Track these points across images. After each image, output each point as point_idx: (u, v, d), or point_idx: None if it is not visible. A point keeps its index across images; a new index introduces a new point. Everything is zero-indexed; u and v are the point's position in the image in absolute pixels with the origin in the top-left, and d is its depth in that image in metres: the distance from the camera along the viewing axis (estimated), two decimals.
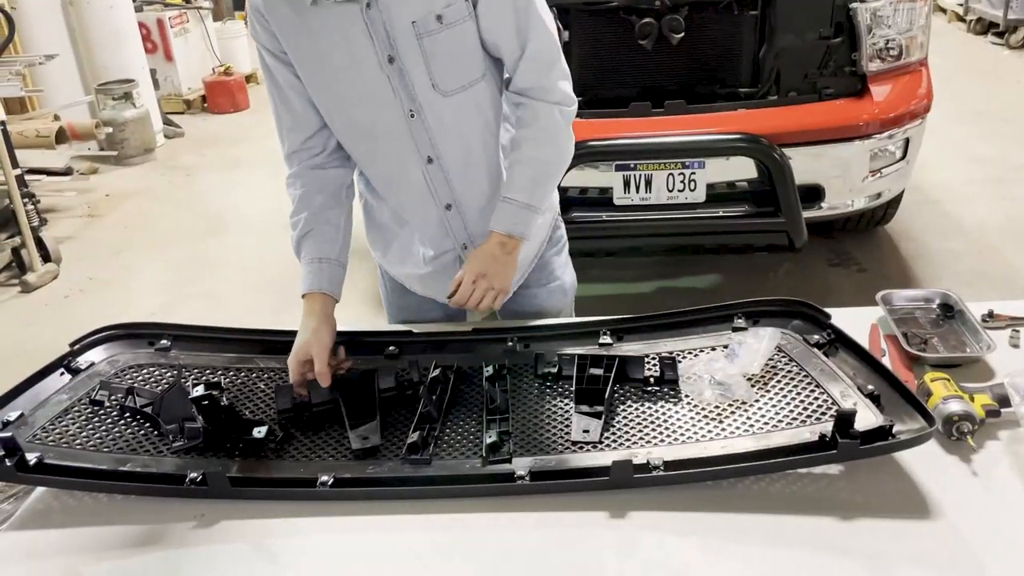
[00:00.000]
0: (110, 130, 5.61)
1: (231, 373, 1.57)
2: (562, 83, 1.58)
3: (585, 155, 2.95)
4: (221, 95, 7.04)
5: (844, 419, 1.22)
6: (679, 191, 3.00)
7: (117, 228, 4.90)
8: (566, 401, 1.43)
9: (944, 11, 8.05)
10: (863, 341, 1.50)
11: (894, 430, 1.23)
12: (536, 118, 1.57)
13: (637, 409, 1.39)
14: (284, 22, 1.48)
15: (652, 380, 1.44)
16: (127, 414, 1.44)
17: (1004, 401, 1.33)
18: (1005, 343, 1.55)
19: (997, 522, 1.17)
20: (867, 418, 1.25)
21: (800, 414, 1.32)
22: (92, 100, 5.83)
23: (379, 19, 1.45)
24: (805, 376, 1.40)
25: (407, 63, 1.48)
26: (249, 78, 7.53)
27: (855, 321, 1.57)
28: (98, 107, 5.78)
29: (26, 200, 4.20)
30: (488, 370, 1.48)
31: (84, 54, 6.02)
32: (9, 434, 1.29)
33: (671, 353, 1.49)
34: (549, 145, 1.59)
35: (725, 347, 1.48)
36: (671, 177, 2.99)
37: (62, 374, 1.53)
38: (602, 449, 1.31)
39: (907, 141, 3.15)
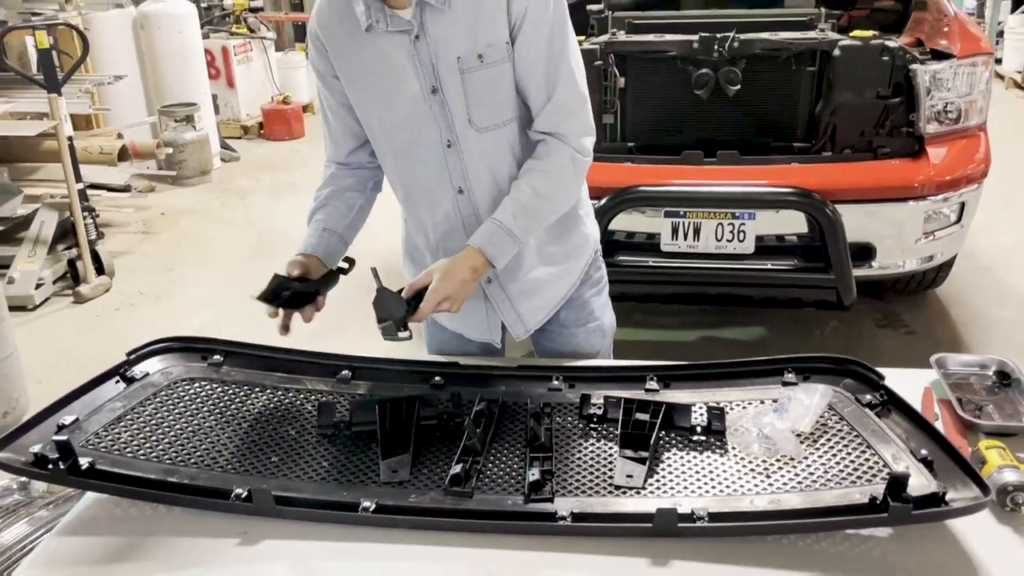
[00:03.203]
0: (170, 151, 5.77)
1: (279, 392, 1.59)
2: (582, 136, 1.60)
3: (635, 199, 2.97)
4: (278, 123, 7.21)
5: (897, 483, 1.19)
6: (727, 241, 2.99)
7: (170, 245, 5.01)
8: (610, 444, 1.42)
9: (1002, 78, 7.98)
10: (915, 404, 1.47)
11: (947, 497, 1.20)
12: (548, 154, 1.60)
13: (682, 458, 1.38)
14: (338, 45, 1.56)
15: (699, 429, 1.43)
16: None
17: None
18: None
19: None
20: (919, 483, 1.22)
21: (850, 474, 1.30)
22: (155, 121, 6.01)
23: (426, 51, 1.51)
24: (856, 436, 1.38)
25: (449, 95, 1.54)
26: (306, 108, 7.71)
27: (908, 383, 1.55)
28: (160, 128, 5.95)
29: (86, 214, 4.32)
30: (533, 407, 1.48)
31: (151, 76, 6.21)
32: (64, 437, 1.31)
33: (719, 403, 1.48)
34: (552, 182, 1.60)
35: (775, 401, 1.47)
36: (720, 227, 2.99)
37: (117, 382, 1.57)
38: (645, 495, 1.30)
39: (963, 205, 3.10)
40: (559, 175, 1.60)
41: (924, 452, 1.29)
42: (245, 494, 1.30)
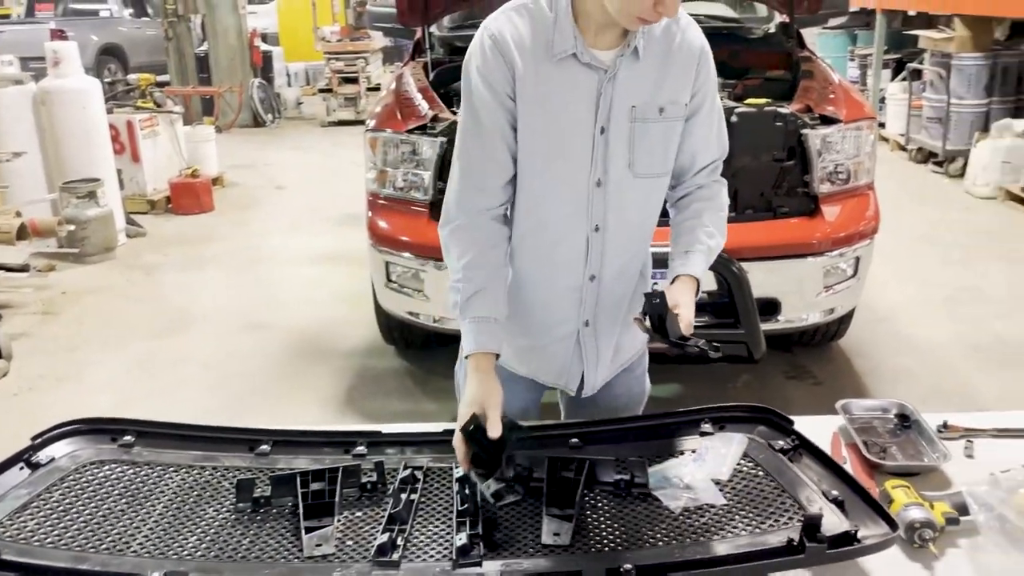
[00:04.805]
0: (72, 228, 5.59)
1: (195, 471, 1.54)
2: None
3: None
4: (186, 196, 7.09)
5: (811, 524, 1.24)
6: None
7: (73, 325, 4.82)
8: (536, 503, 1.43)
9: (887, 140, 8.52)
10: (825, 448, 1.53)
11: (859, 535, 1.25)
12: (715, 196, 1.73)
13: (607, 512, 1.40)
14: (527, 65, 1.56)
15: (622, 483, 1.45)
16: None
17: (963, 509, 1.37)
18: (960, 453, 1.60)
19: None
20: (833, 523, 1.27)
21: (768, 518, 1.34)
22: (56, 198, 5.83)
23: (609, 93, 1.56)
24: (771, 481, 1.43)
25: (613, 138, 1.59)
26: (215, 181, 7.61)
27: (816, 429, 1.61)
28: (61, 205, 5.77)
29: None
30: (458, 471, 1.48)
31: (52, 152, 6.04)
32: None
33: (641, 457, 1.51)
34: (722, 222, 1.72)
35: (693, 451, 1.51)
36: None
37: (21, 468, 1.49)
38: (573, 553, 1.31)
39: (857, 259, 3.28)
40: (724, 216, 1.74)
41: (835, 493, 1.34)
42: None
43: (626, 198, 1.64)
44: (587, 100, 1.57)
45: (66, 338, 4.63)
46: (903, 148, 8.23)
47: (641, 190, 1.65)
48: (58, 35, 6.49)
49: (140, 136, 6.88)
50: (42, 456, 1.53)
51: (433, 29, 4.30)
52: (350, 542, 1.35)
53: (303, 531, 1.37)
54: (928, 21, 8.61)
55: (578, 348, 1.75)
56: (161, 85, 8.54)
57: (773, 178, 3.23)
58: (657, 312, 1.49)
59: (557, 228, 1.66)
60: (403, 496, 1.42)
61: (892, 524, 1.26)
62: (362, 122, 3.75)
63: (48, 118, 5.98)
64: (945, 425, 1.68)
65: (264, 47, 12.07)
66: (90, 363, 4.30)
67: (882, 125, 8.73)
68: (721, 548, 1.28)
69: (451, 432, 1.65)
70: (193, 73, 10.86)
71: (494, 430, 1.45)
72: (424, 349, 4.04)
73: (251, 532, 1.38)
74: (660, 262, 2.95)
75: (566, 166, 1.61)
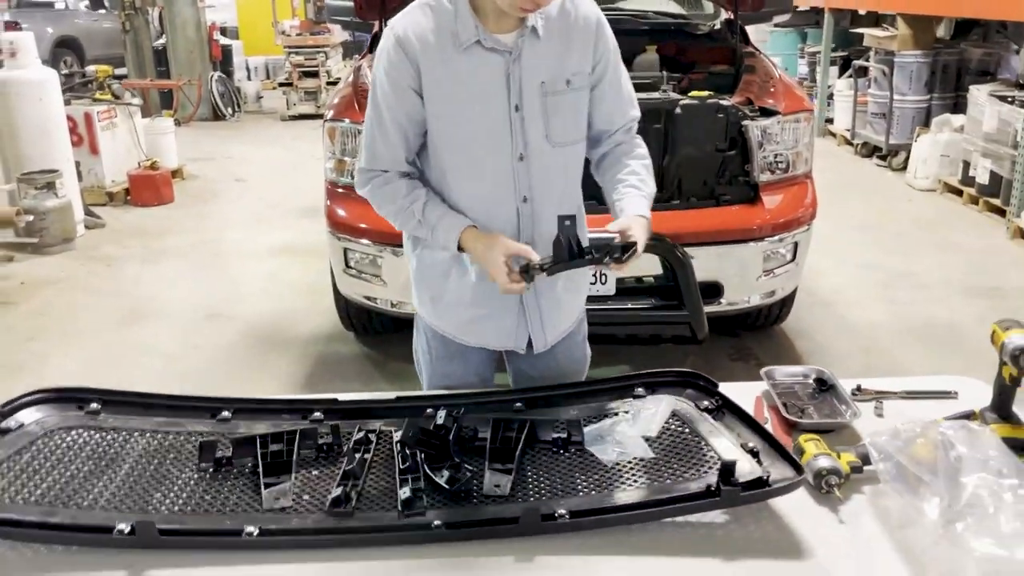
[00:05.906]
0: (31, 218, 5.58)
1: (159, 436, 1.63)
2: None
3: None
4: (146, 188, 7.08)
5: (726, 469, 1.37)
6: (590, 284, 3.18)
7: (31, 316, 4.83)
8: (479, 461, 1.54)
9: (834, 135, 8.77)
10: (749, 411, 1.67)
11: (770, 479, 1.38)
12: (634, 148, 1.89)
13: (545, 467, 1.52)
14: (431, 57, 1.68)
15: (560, 441, 1.57)
16: None
17: (866, 459, 1.50)
18: (871, 413, 1.75)
19: (860, 564, 1.34)
20: (747, 469, 1.41)
21: (690, 468, 1.47)
22: (13, 189, 5.81)
23: (517, 72, 1.69)
24: (695, 436, 1.56)
25: (528, 114, 1.72)
26: (175, 173, 7.60)
27: (743, 393, 1.75)
28: (19, 196, 5.76)
29: None
30: (398, 435, 1.58)
31: (8, 143, 6.02)
32: None
33: (577, 417, 1.63)
34: (645, 169, 1.86)
35: (627, 412, 1.63)
36: None
37: None
38: (512, 502, 1.42)
39: (796, 245, 3.44)
40: (648, 161, 1.90)
41: (752, 444, 1.48)
42: (128, 528, 1.34)
43: (548, 168, 1.78)
44: (498, 82, 1.70)
45: (24, 329, 4.64)
46: (849, 143, 8.48)
47: (560, 158, 1.79)
48: (12, 27, 6.43)
49: (98, 128, 6.85)
50: (11, 422, 1.61)
51: None
52: (307, 496, 1.46)
53: (262, 487, 1.47)
54: (876, 20, 8.87)
55: (522, 310, 1.88)
56: (119, 78, 8.49)
57: (716, 167, 3.38)
58: (567, 234, 1.63)
59: (487, 203, 1.78)
60: (357, 455, 1.53)
61: (799, 469, 1.40)
62: (323, 116, 3.84)
63: (4, 109, 5.95)
64: (859, 388, 1.83)
65: (224, 41, 12.01)
66: (49, 354, 4.32)
67: (830, 121, 9.00)
68: (647, 494, 1.41)
69: (404, 399, 1.76)
70: (151, 66, 10.79)
71: (534, 255, 1.67)
72: (382, 334, 4.13)
73: (213, 489, 1.48)
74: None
75: (488, 145, 1.73)
